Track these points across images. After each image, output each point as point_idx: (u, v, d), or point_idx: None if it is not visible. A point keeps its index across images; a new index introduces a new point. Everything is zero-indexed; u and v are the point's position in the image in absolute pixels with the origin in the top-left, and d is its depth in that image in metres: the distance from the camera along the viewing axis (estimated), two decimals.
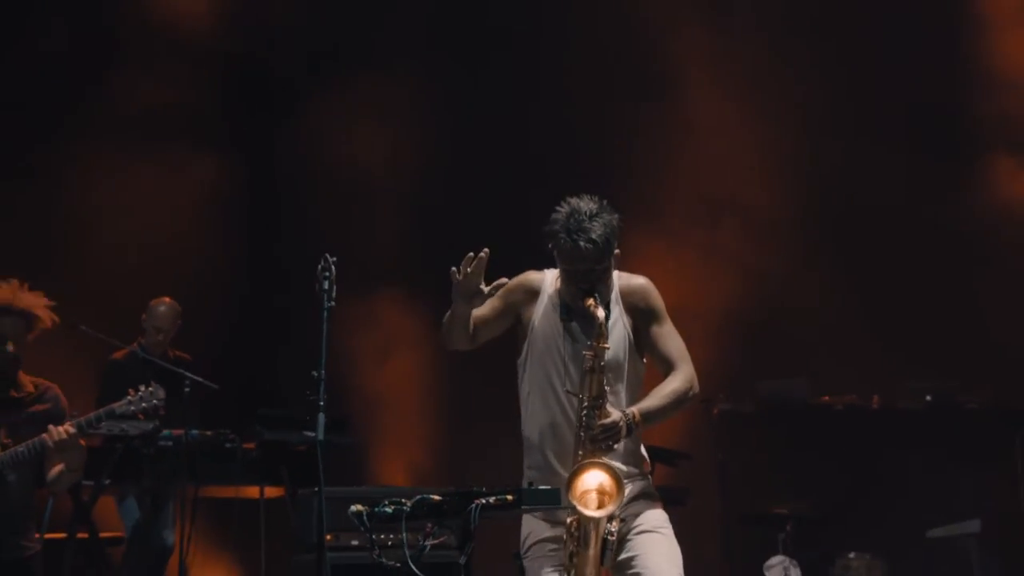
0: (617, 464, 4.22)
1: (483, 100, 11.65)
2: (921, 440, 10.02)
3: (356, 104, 11.32)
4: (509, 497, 3.93)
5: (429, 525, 4.16)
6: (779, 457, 9.72)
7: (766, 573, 8.65)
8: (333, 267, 4.83)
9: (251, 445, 8.04)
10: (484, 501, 3.94)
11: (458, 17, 11.80)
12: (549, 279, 4.56)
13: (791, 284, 10.72)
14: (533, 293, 4.56)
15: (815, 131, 11.07)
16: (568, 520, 4.25)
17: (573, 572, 4.31)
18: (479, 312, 4.49)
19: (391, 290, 11.15)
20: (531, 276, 4.60)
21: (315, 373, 5.09)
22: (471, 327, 4.46)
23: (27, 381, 5.64)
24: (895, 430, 10.28)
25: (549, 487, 4.08)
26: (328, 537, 6.73)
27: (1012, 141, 11.25)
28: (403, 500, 4.28)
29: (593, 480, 4.23)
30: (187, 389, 7.87)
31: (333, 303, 4.77)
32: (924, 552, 9.57)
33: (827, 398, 10.44)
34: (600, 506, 4.17)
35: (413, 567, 4.08)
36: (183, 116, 11.09)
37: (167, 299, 8.68)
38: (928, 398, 10.36)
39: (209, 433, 7.84)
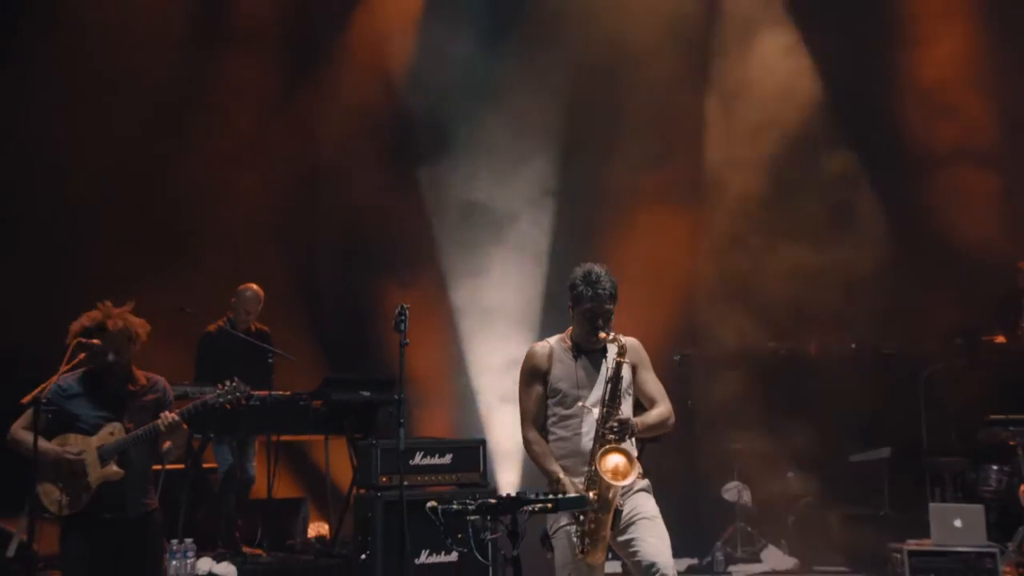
0: (630, 450, 4.85)
1: None
2: (848, 381, 10.24)
3: None
4: (549, 505, 4.45)
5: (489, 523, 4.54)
6: (735, 396, 9.85)
7: (724, 495, 9.27)
8: (407, 313, 5.57)
9: (319, 403, 8.39)
10: (530, 509, 4.44)
11: None
12: (552, 342, 5.25)
13: (750, 253, 10.89)
14: (545, 358, 5.19)
15: None
16: (591, 494, 4.82)
17: (592, 528, 4.88)
18: (539, 406, 5.16)
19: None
20: (535, 349, 5.28)
21: (396, 396, 5.81)
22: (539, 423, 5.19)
23: (140, 376, 5.84)
24: (828, 373, 10.47)
25: (575, 495, 4.67)
26: (384, 479, 7.51)
27: None
28: (467, 501, 4.64)
29: (614, 460, 4.88)
30: (270, 360, 8.27)
31: (407, 342, 5.54)
32: (847, 471, 10.07)
33: (773, 345, 10.76)
34: (620, 477, 4.84)
35: (476, 553, 4.73)
36: None
37: (253, 285, 8.85)
38: (853, 346, 10.80)
39: (288, 393, 8.22)
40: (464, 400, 11.07)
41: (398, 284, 10.93)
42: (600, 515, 4.87)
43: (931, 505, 8.66)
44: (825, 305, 10.92)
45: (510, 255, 11.46)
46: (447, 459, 7.83)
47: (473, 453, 8.03)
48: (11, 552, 7.58)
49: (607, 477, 4.74)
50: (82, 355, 5.63)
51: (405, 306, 5.64)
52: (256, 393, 8.01)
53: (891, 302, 11.03)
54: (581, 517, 4.90)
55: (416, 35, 11.79)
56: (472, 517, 4.62)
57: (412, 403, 9.42)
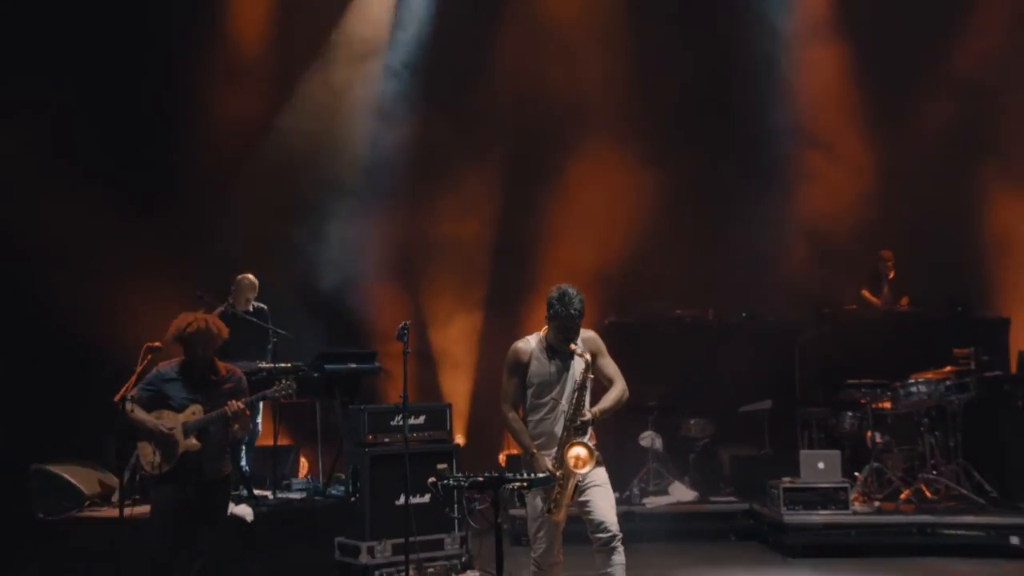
0: (589, 443, 5.42)
1: None
2: (739, 342, 10.83)
3: None
4: (526, 483, 5.19)
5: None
6: (650, 357, 10.14)
7: (640, 442, 9.82)
8: (408, 328, 6.16)
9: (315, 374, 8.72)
10: (512, 486, 5.20)
11: None
12: (532, 341, 5.74)
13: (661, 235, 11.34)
14: (527, 354, 5.68)
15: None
16: (559, 472, 5.40)
17: (557, 496, 5.42)
18: (516, 392, 5.69)
19: None
20: (519, 347, 5.75)
21: (402, 396, 6.46)
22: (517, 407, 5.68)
23: (222, 367, 6.31)
24: (722, 336, 11.12)
25: (544, 475, 5.32)
26: (369, 437, 8.04)
27: None
28: (460, 478, 5.37)
29: (577, 452, 5.44)
30: (274, 339, 8.64)
31: (408, 351, 6.13)
32: (737, 419, 10.54)
33: (680, 312, 11.35)
34: (578, 467, 5.42)
35: (468, 518, 5.47)
36: None
37: (249, 274, 9.14)
38: (744, 314, 11.45)
39: (288, 365, 8.48)
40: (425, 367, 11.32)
41: None
42: (564, 488, 5.46)
43: (801, 452, 9.36)
44: (722, 280, 11.55)
45: None
46: (421, 420, 8.28)
47: (441, 415, 8.50)
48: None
49: (571, 464, 5.37)
50: (149, 356, 6.14)
51: (407, 323, 6.14)
52: (262, 365, 8.40)
53: (774, 278, 11.55)
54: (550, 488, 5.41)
55: None
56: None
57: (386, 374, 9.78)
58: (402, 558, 7.73)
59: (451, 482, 5.43)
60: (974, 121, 11.86)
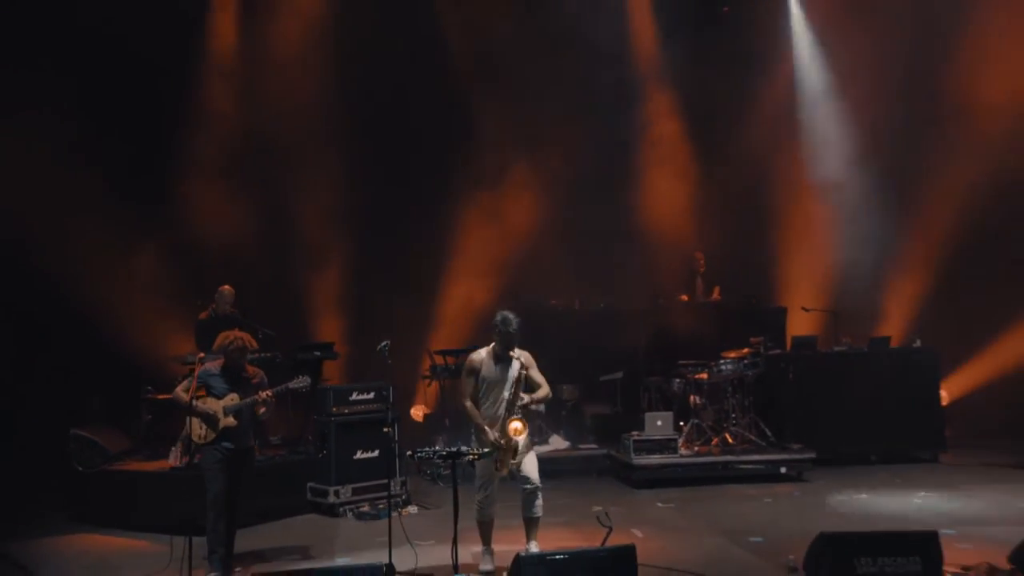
0: (523, 420, 6.29)
1: None
2: (599, 326, 11.66)
3: None
4: (478, 455, 6.15)
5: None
6: (529, 336, 9.98)
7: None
8: (388, 347, 6.79)
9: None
10: (468, 458, 6.12)
11: None
12: (483, 353, 6.48)
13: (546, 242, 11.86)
14: (479, 362, 6.47)
15: None
16: (502, 441, 6.21)
17: (502, 457, 6.23)
18: (472, 389, 6.43)
19: None
20: (473, 357, 6.51)
21: (384, 393, 7.30)
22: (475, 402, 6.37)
23: (250, 369, 6.91)
24: (586, 321, 11.84)
25: (488, 450, 6.21)
26: (334, 409, 8.83)
27: None
28: (428, 451, 6.21)
29: (515, 424, 6.31)
30: (260, 336, 8.91)
31: (390, 363, 6.78)
32: (598, 385, 11.39)
33: (554, 302, 12.13)
34: (515, 435, 6.29)
35: (439, 478, 6.39)
36: None
37: (228, 287, 9.44)
38: (602, 304, 12.26)
39: (268, 354, 8.94)
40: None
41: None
42: (506, 451, 6.33)
43: (646, 414, 9.88)
44: (585, 273, 12.14)
45: None
46: (371, 395, 9.06)
47: (386, 391, 8.84)
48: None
49: (510, 433, 6.32)
50: (198, 365, 6.81)
51: (386, 343, 6.78)
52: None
53: (624, 275, 12.24)
54: (496, 450, 6.29)
55: None
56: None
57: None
58: (360, 498, 8.69)
59: (422, 454, 6.31)
60: (773, 149, 12.63)
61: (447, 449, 6.24)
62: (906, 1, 11.84)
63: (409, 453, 6.54)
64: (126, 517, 8.24)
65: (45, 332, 9.92)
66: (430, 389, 11.29)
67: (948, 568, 5.74)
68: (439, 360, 10.89)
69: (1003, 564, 5.93)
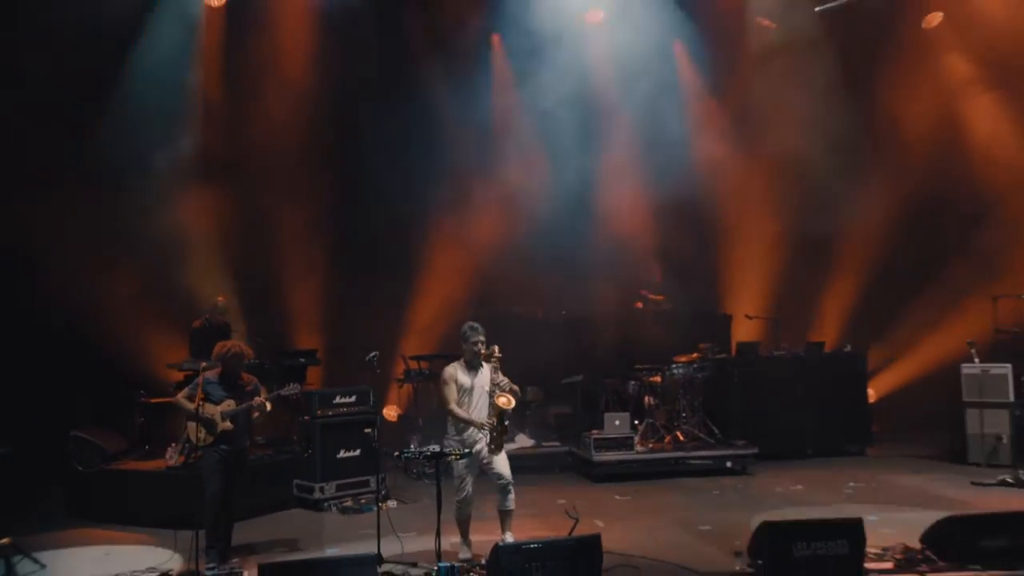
0: (508, 393, 6.51)
1: None
2: (560, 333, 11.77)
3: None
4: (459, 455, 6.49)
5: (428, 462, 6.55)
6: (497, 342, 9.49)
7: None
8: (377, 357, 7.12)
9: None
10: (451, 457, 6.48)
11: None
12: (456, 365, 6.77)
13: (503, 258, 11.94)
14: (456, 373, 6.75)
15: None
16: (492, 420, 6.47)
17: (495, 436, 6.50)
18: (455, 394, 6.68)
19: None
20: (448, 370, 6.77)
21: (372, 400, 7.62)
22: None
23: (245, 376, 7.10)
24: (549, 328, 11.91)
25: (468, 451, 6.52)
26: (319, 412, 9.09)
27: None
28: (415, 451, 6.61)
29: (503, 398, 6.59)
30: (255, 343, 9.11)
31: (378, 371, 7.16)
32: (559, 388, 11.51)
33: (519, 311, 12.24)
34: (506, 405, 6.55)
35: (424, 476, 6.70)
36: None
37: (222, 297, 9.70)
38: (563, 312, 12.45)
39: (258, 361, 9.04)
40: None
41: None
42: (497, 427, 6.61)
43: (605, 414, 10.15)
44: (548, 287, 12.34)
45: None
46: (353, 399, 9.35)
47: (366, 395, 9.47)
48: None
49: (500, 403, 6.60)
50: (202, 373, 6.89)
51: (375, 353, 7.11)
52: None
53: (585, 286, 12.27)
54: (492, 432, 6.55)
55: None
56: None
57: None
58: (343, 493, 8.95)
59: (409, 455, 6.81)
60: (721, 172, 12.89)
61: (432, 450, 6.55)
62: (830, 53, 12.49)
63: (396, 453, 6.97)
64: (126, 513, 8.38)
65: (34, 335, 9.85)
66: (402, 391, 11.56)
67: (870, 550, 6.28)
68: (413, 365, 11.20)
69: (916, 544, 6.53)
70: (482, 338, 6.74)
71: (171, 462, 8.41)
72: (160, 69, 10.55)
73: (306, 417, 9.24)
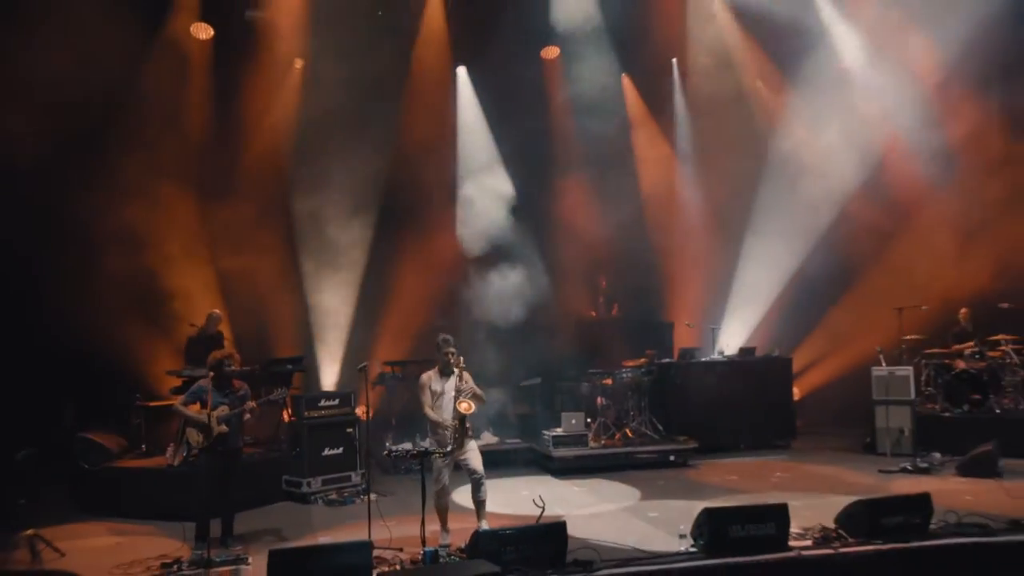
0: (469, 400, 6.80)
1: None
2: (520, 339, 11.58)
3: None
4: (442, 454, 6.94)
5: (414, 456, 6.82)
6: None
7: (459, 408, 9.29)
8: (367, 368, 7.49)
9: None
10: (434, 455, 6.92)
11: None
12: (431, 373, 7.07)
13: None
14: (429, 379, 7.07)
15: None
16: (455, 421, 6.80)
17: (456, 437, 6.81)
18: (429, 398, 6.99)
19: None
20: (423, 377, 7.05)
21: (366, 408, 8.05)
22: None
23: (236, 383, 7.41)
24: (510, 335, 11.52)
25: (448, 449, 6.93)
26: (307, 413, 9.42)
27: None
28: (403, 450, 7.14)
29: (465, 403, 6.86)
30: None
31: (371, 381, 7.50)
32: (520, 390, 11.88)
33: (482, 318, 11.51)
34: (466, 411, 6.85)
35: (407, 470, 6.95)
36: None
37: (216, 310, 9.94)
38: (523, 321, 11.49)
39: (248, 368, 9.39)
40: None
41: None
42: (459, 429, 6.96)
43: (563, 413, 10.58)
44: (509, 294, 11.51)
45: None
46: (336, 402, 9.73)
47: (348, 398, 9.87)
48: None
49: (461, 408, 6.92)
50: (211, 374, 7.23)
51: (365, 363, 7.46)
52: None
53: (542, 296, 11.94)
54: (455, 433, 6.83)
55: None
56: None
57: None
58: (327, 487, 9.26)
59: (397, 451, 7.42)
60: (664, 195, 13.38)
61: (418, 449, 7.08)
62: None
63: (386, 452, 7.48)
64: (130, 508, 8.64)
65: (39, 345, 9.93)
66: (373, 393, 11.96)
67: (793, 530, 6.89)
68: (387, 369, 11.62)
69: (831, 525, 7.16)
70: (453, 349, 7.09)
71: (172, 461, 8.41)
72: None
73: (293, 418, 9.63)
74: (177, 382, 9.43)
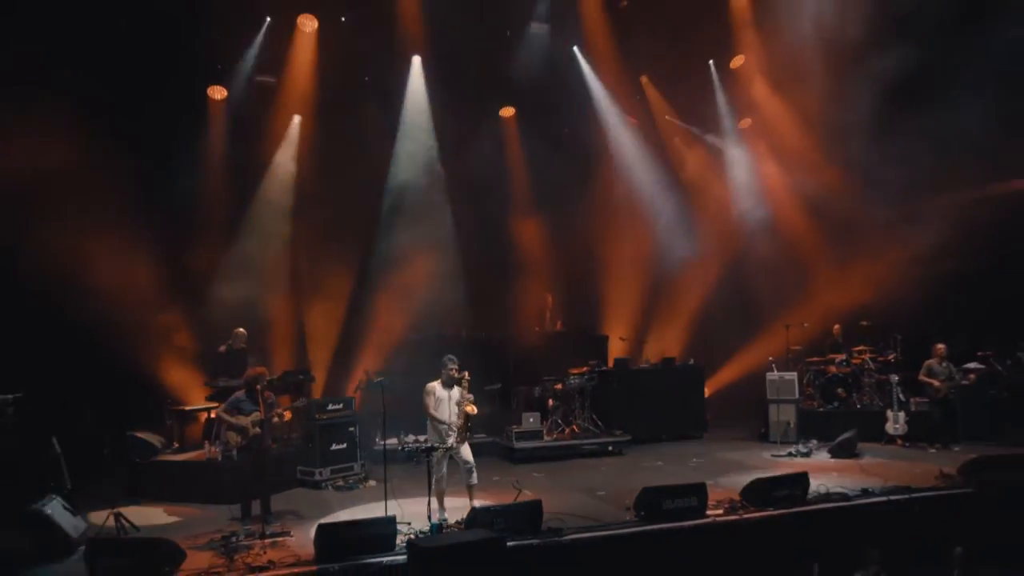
0: (472, 403, 7.43)
1: None
2: (481, 350, 11.86)
3: None
4: (443, 449, 7.84)
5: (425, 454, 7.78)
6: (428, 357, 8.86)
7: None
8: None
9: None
10: (435, 450, 7.73)
11: None
12: (436, 383, 7.63)
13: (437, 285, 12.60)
14: (434, 388, 7.63)
15: None
16: (459, 421, 7.37)
17: (461, 430, 7.41)
18: (432, 405, 7.58)
19: None
20: (428, 386, 7.60)
21: (382, 414, 8.93)
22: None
23: (267, 393, 7.99)
24: (471, 347, 11.93)
25: (448, 445, 7.74)
26: (318, 415, 10.04)
27: None
28: (411, 446, 8.07)
29: (471, 408, 7.49)
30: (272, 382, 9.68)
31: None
32: (483, 394, 11.26)
33: (447, 332, 12.84)
34: (472, 411, 7.47)
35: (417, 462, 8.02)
36: None
37: (241, 329, 10.38)
38: (483, 334, 13.28)
39: (270, 378, 9.10)
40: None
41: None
42: (464, 426, 7.57)
43: (524, 413, 11.27)
44: (469, 310, 13.19)
45: None
46: (341, 406, 10.38)
47: (351, 402, 10.59)
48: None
49: (469, 410, 7.55)
50: (243, 388, 7.89)
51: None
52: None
53: (499, 310, 13.43)
54: (461, 430, 7.38)
55: None
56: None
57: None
58: (335, 476, 9.89)
59: (408, 449, 8.35)
60: (605, 223, 14.14)
61: (426, 445, 7.94)
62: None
63: (400, 447, 8.36)
64: (179, 494, 9.22)
65: (46, 344, 9.82)
66: (357, 395, 12.64)
67: (710, 502, 8.03)
68: (372, 376, 12.22)
69: (737, 497, 8.36)
70: (455, 366, 7.79)
71: (217, 456, 9.32)
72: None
73: (307, 419, 10.39)
74: (209, 391, 10.14)
